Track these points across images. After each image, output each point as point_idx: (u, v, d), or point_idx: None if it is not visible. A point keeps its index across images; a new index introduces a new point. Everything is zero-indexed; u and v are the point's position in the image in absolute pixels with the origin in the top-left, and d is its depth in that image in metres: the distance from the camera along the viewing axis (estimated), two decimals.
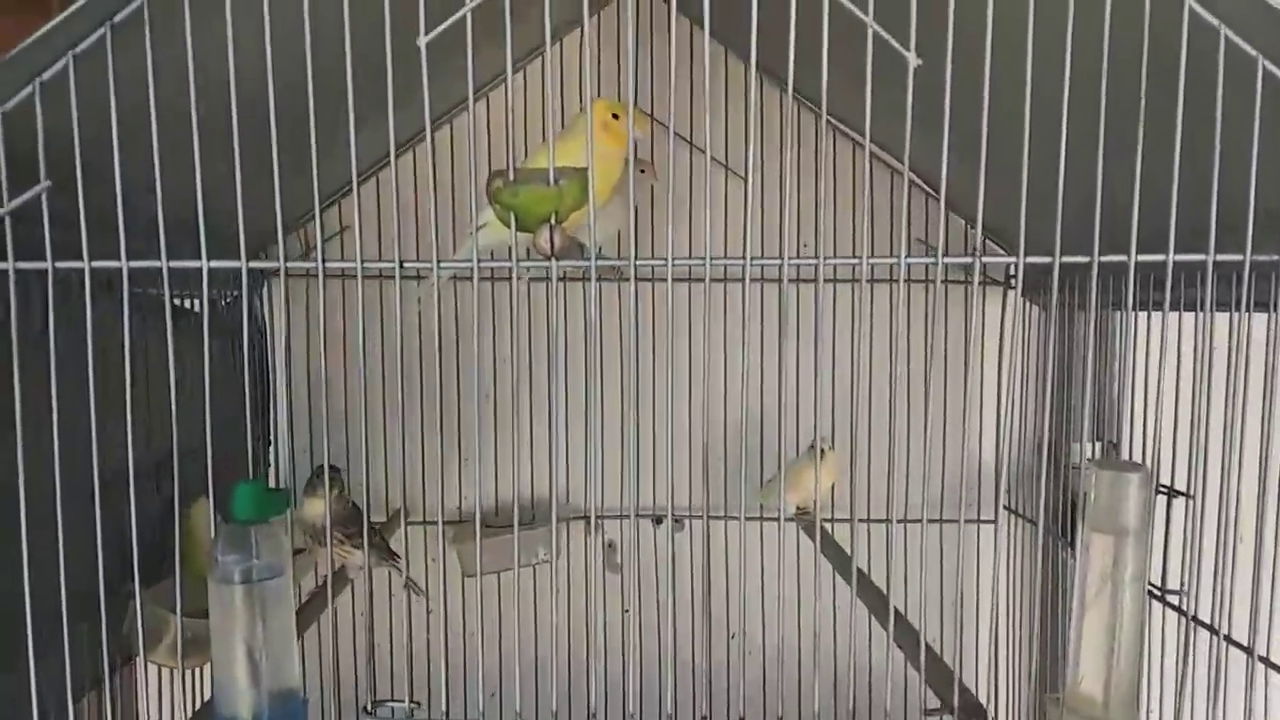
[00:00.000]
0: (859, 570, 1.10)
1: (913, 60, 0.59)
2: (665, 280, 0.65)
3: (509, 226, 0.65)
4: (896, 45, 0.59)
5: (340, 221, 1.34)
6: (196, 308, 1.19)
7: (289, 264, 0.68)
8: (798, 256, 0.68)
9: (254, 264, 0.68)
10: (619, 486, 1.40)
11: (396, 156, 1.32)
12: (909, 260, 0.67)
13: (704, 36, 0.63)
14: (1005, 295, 1.34)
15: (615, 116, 0.93)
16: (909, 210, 0.70)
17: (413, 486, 1.33)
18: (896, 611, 0.93)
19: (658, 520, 1.44)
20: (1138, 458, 1.22)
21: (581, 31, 1.28)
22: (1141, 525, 0.64)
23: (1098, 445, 1.32)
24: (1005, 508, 1.40)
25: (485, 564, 1.35)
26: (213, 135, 0.64)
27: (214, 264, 0.68)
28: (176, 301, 1.09)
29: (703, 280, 1.32)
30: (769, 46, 0.64)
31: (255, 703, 0.64)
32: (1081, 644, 0.66)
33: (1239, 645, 0.77)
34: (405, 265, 0.65)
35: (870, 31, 0.59)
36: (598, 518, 1.43)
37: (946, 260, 0.67)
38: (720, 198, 1.32)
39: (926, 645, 0.79)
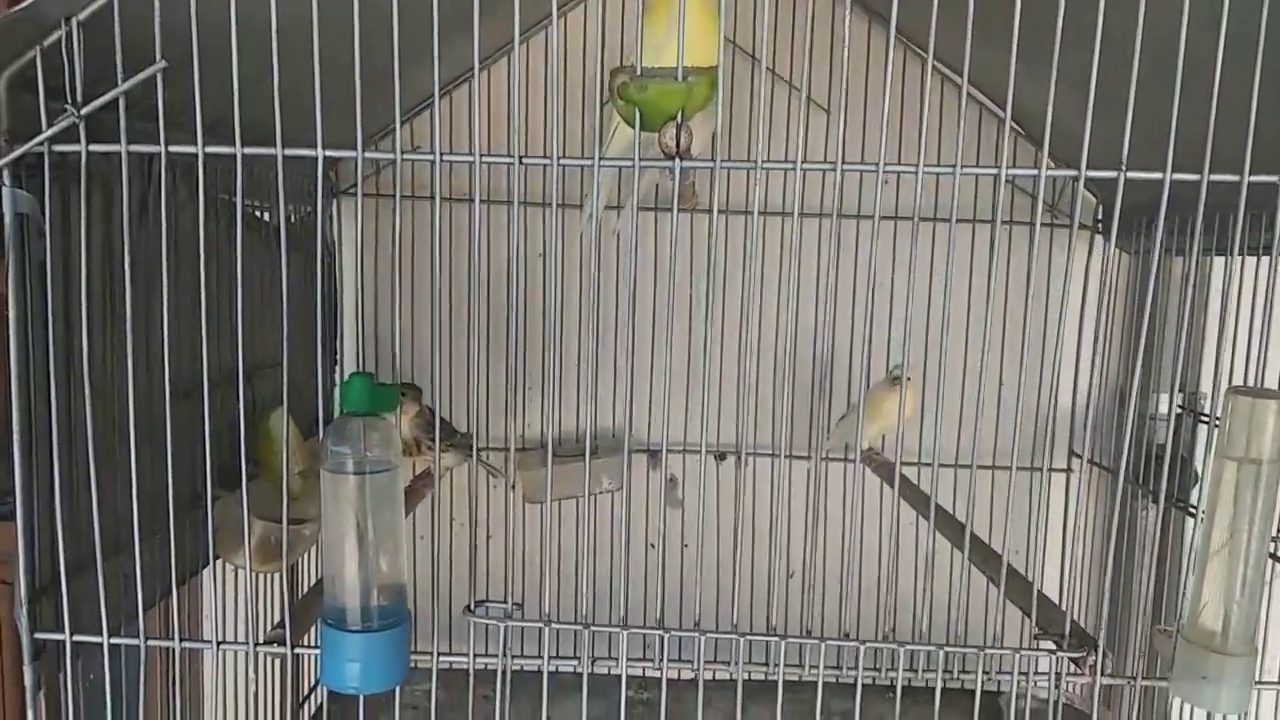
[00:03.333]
0: (939, 508, 1.09)
1: None
2: (743, 213, 0.62)
3: (632, 125, 0.63)
4: None
5: (413, 141, 1.33)
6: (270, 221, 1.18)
7: (367, 154, 0.67)
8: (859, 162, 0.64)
9: (330, 151, 0.66)
10: (683, 421, 1.39)
11: (485, 64, 1.30)
12: (964, 170, 0.65)
13: None
14: (1092, 239, 1.30)
15: None
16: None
17: (478, 412, 1.34)
18: (991, 550, 0.92)
19: (720, 456, 1.43)
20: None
21: None
22: (1277, 455, 0.62)
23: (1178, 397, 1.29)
24: (1078, 455, 1.38)
25: (551, 491, 1.36)
26: (292, 44, 0.63)
27: (290, 151, 0.66)
28: (254, 213, 1.09)
29: (787, 215, 1.30)
30: None
31: (364, 595, 0.63)
32: (1206, 574, 0.64)
33: None
34: (524, 160, 0.63)
35: None
36: (650, 451, 1.42)
37: (1011, 171, 0.66)
38: (789, 124, 1.29)
39: (1013, 577, 0.78)
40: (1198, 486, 1.26)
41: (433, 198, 0.62)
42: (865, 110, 1.25)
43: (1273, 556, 0.66)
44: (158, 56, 0.63)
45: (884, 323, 1.08)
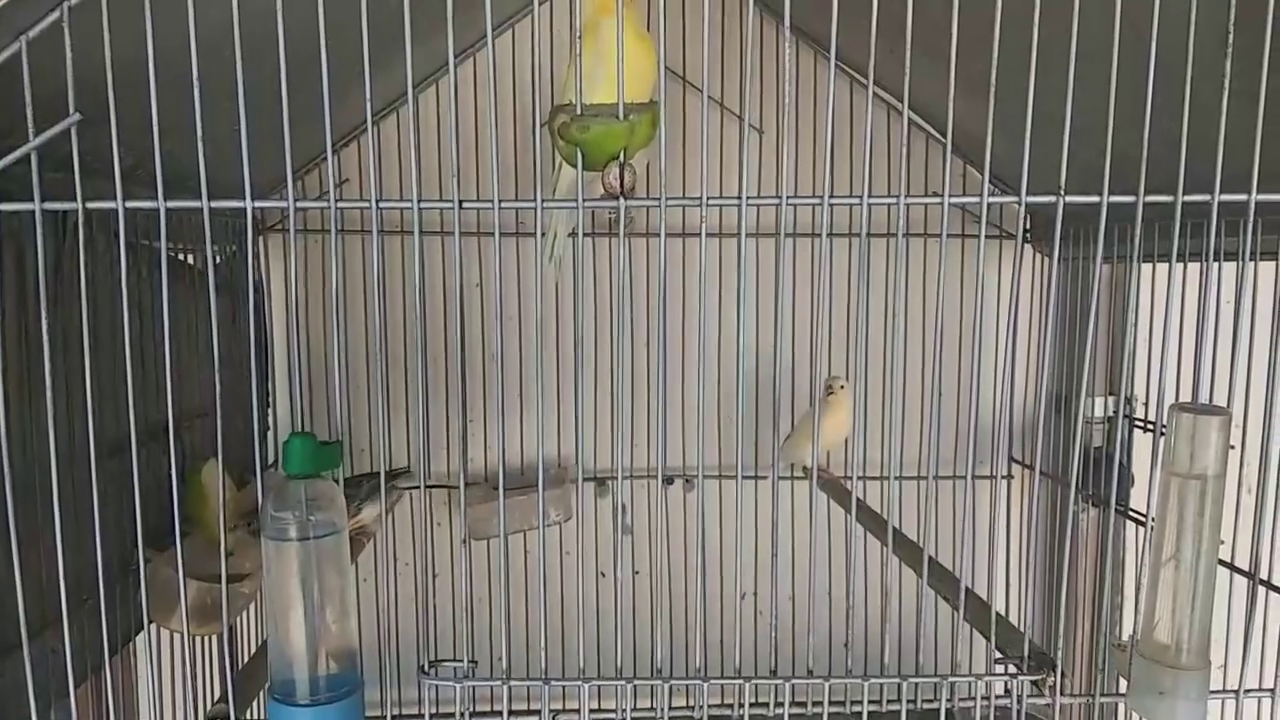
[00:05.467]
0: (890, 526, 1.10)
1: None
2: (662, 233, 0.62)
3: (574, 165, 0.61)
4: None
5: (339, 175, 1.29)
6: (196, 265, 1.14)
7: (299, 203, 0.64)
8: (795, 194, 0.65)
9: (260, 203, 0.63)
10: (627, 448, 1.38)
11: (400, 102, 1.27)
12: (909, 200, 0.66)
13: None
14: (1020, 248, 1.33)
15: None
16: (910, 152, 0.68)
17: (415, 450, 1.30)
18: (940, 566, 0.92)
19: (668, 481, 1.42)
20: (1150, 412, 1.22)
21: None
22: (1221, 470, 0.63)
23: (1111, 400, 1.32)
24: (1014, 460, 1.40)
25: (493, 528, 1.33)
26: (213, 82, 0.60)
27: (216, 204, 0.63)
28: (177, 256, 1.05)
29: (712, 235, 1.31)
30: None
31: (313, 665, 0.60)
32: (1157, 590, 0.65)
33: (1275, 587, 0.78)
34: (424, 204, 0.61)
35: None
36: (598, 479, 1.41)
37: (952, 200, 0.66)
38: (732, 148, 1.30)
39: (969, 596, 0.78)
40: (1134, 488, 1.29)
41: (376, 244, 0.60)
42: (814, 135, 1.27)
43: (1224, 564, 0.67)
44: (71, 108, 0.59)
45: (824, 342, 1.08)
